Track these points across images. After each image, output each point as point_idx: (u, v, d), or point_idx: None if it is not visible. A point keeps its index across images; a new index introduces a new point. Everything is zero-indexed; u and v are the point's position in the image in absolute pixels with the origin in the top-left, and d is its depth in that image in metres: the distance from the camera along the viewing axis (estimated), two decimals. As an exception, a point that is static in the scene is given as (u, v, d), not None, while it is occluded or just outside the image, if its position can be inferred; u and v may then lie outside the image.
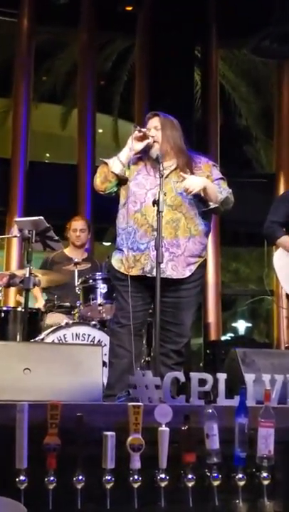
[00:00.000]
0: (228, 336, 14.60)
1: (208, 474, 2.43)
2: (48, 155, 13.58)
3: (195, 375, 2.73)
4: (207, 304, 8.03)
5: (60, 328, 4.51)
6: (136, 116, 8.70)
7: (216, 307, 8.16)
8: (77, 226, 5.42)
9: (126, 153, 3.53)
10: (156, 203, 3.31)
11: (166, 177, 3.48)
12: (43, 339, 4.48)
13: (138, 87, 8.66)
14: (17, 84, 8.07)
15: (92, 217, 7.24)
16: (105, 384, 3.43)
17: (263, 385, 2.71)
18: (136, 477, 2.34)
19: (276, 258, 4.34)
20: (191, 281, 3.53)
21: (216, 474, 2.42)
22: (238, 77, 12.22)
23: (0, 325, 4.80)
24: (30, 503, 2.24)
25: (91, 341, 4.50)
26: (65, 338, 4.48)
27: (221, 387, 2.70)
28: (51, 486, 2.30)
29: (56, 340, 4.44)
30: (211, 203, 3.52)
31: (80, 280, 4.83)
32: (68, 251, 5.39)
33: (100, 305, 4.68)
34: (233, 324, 15.44)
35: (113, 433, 2.34)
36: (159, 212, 3.29)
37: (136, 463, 2.35)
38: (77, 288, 4.83)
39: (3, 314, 4.83)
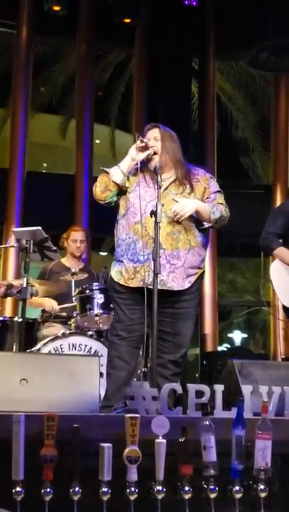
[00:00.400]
0: (224, 347, 14.59)
1: (205, 486, 2.42)
2: (45, 165, 13.60)
3: (192, 387, 2.72)
4: (204, 315, 8.03)
5: (56, 338, 4.51)
6: (133, 127, 8.73)
7: (212, 318, 8.16)
8: (78, 237, 5.41)
9: (127, 163, 3.54)
10: (154, 213, 3.32)
11: (166, 189, 3.51)
12: (39, 349, 4.47)
13: (136, 98, 8.70)
14: (15, 94, 8.09)
15: (89, 227, 7.25)
16: (102, 395, 3.42)
17: (260, 396, 2.71)
18: (133, 489, 2.33)
19: (273, 269, 4.34)
20: (190, 293, 3.55)
21: (212, 486, 2.41)
22: (234, 89, 12.30)
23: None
24: (27, 515, 2.23)
25: (88, 351, 4.50)
26: (61, 348, 4.47)
27: (219, 398, 2.70)
28: (48, 498, 2.28)
29: (53, 351, 4.43)
30: (204, 223, 3.56)
31: (76, 290, 4.83)
32: (66, 261, 5.38)
33: (96, 315, 4.68)
34: (229, 335, 15.42)
35: (110, 445, 2.34)
36: (156, 223, 3.31)
37: (133, 475, 2.34)
38: (74, 298, 4.82)
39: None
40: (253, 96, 12.13)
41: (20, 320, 4.32)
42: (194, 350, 8.34)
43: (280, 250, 4.27)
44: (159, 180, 3.40)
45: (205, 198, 3.59)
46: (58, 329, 4.78)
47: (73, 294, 4.83)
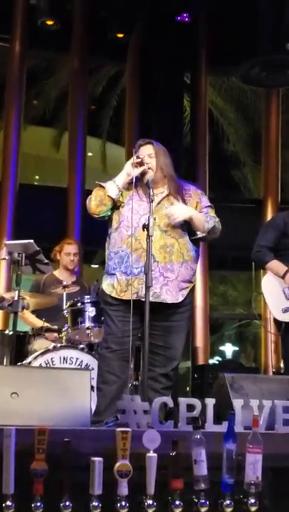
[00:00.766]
0: (215, 360, 14.59)
1: (196, 500, 2.41)
2: (37, 177, 13.63)
3: (183, 401, 2.73)
4: (195, 328, 8.03)
5: (47, 351, 4.50)
6: (126, 140, 8.77)
7: (204, 331, 8.16)
8: (71, 250, 5.42)
9: (123, 178, 3.58)
10: (146, 227, 3.35)
11: (159, 203, 3.55)
12: (30, 362, 4.46)
13: (128, 111, 8.74)
14: (8, 108, 8.11)
15: (81, 240, 7.26)
16: (93, 409, 3.42)
17: (251, 410, 2.71)
18: (123, 503, 2.32)
19: (265, 282, 4.36)
20: (182, 306, 3.58)
21: (203, 501, 2.41)
22: (226, 103, 12.40)
23: (-13, 348, 4.77)
24: (17, 530, 2.22)
25: (79, 365, 4.49)
26: (52, 361, 4.46)
27: (210, 412, 2.70)
28: (38, 512, 2.27)
29: (44, 364, 4.42)
30: (198, 232, 3.59)
31: (68, 303, 4.82)
32: (58, 273, 5.38)
33: (88, 328, 4.68)
34: (221, 347, 15.44)
35: (101, 459, 2.33)
36: (148, 236, 3.34)
37: (123, 489, 2.34)
38: (65, 311, 4.82)
39: (-11, 337, 4.81)
40: (245, 110, 12.23)
41: (12, 333, 4.31)
42: (185, 363, 8.34)
43: (273, 263, 4.29)
44: (151, 194, 3.43)
45: (198, 211, 3.63)
46: (49, 342, 4.77)
47: (64, 307, 4.83)
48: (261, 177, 9.25)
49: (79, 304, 4.75)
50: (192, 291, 3.65)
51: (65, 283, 4.97)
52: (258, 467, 2.45)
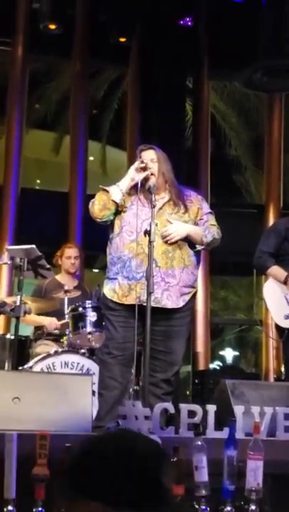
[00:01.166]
0: (215, 365, 14.56)
1: (197, 507, 2.42)
2: (38, 181, 13.63)
3: (185, 407, 2.74)
4: (196, 333, 8.02)
5: (49, 355, 4.50)
6: (127, 144, 8.77)
7: (204, 336, 8.15)
8: (72, 253, 5.42)
9: (127, 183, 3.59)
10: (147, 232, 3.36)
11: (160, 208, 3.57)
12: (31, 367, 4.46)
13: (130, 115, 8.75)
14: (10, 112, 8.12)
15: (82, 245, 7.26)
16: (95, 415, 3.42)
17: (252, 417, 2.72)
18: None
19: (266, 288, 4.36)
20: (183, 311, 3.58)
21: (204, 507, 2.41)
22: (228, 108, 12.40)
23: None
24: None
25: (80, 370, 4.48)
26: (53, 366, 4.46)
27: (211, 419, 2.71)
28: (39, 517, 2.28)
29: (45, 369, 4.42)
30: (197, 246, 3.62)
31: (69, 308, 4.82)
32: (60, 277, 5.38)
33: (89, 333, 4.68)
34: (221, 352, 15.41)
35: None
36: (150, 242, 3.35)
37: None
38: (66, 315, 4.82)
39: (-9, 341, 4.81)
40: (247, 115, 12.23)
41: (13, 337, 4.31)
42: (186, 368, 8.33)
43: (275, 269, 4.30)
44: (153, 199, 3.45)
45: (198, 218, 3.66)
46: (50, 347, 4.77)
47: (66, 311, 4.83)
48: (263, 182, 9.25)
49: (80, 309, 4.75)
50: (194, 296, 3.67)
51: (66, 287, 4.97)
52: (258, 474, 2.46)
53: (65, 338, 4.79)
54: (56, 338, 4.94)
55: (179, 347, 3.61)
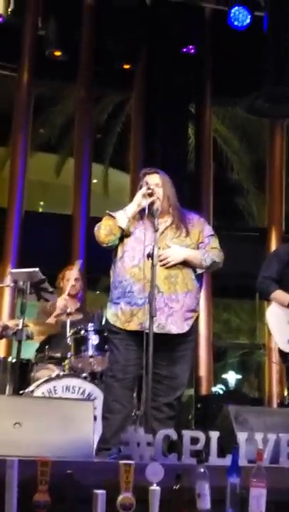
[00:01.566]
0: (218, 388, 14.47)
1: (200, 535, 2.39)
2: (42, 203, 13.69)
3: (187, 433, 2.71)
4: (199, 357, 7.98)
5: (50, 379, 4.47)
6: (130, 167, 8.83)
7: (207, 360, 8.11)
8: (72, 275, 5.42)
9: (133, 209, 3.61)
10: (150, 256, 3.36)
11: (162, 232, 3.58)
12: (33, 391, 4.43)
13: (133, 139, 8.82)
14: (15, 136, 8.19)
15: (85, 267, 7.26)
16: (96, 439, 3.40)
17: (256, 444, 2.70)
18: (126, 537, 2.30)
19: (269, 313, 4.36)
20: (187, 335, 3.58)
21: (207, 535, 2.38)
22: (230, 132, 12.49)
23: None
24: None
25: (81, 394, 4.45)
26: (55, 390, 4.43)
27: (214, 445, 2.69)
28: None
29: (46, 393, 4.39)
30: (197, 270, 3.63)
31: (71, 331, 4.81)
32: (62, 300, 5.37)
33: (91, 357, 4.65)
34: (224, 376, 15.33)
35: (104, 491, 2.31)
36: (153, 265, 3.35)
37: (126, 522, 2.32)
38: (68, 339, 4.80)
39: (-7, 364, 4.79)
40: (249, 139, 12.32)
41: (15, 360, 4.30)
42: (189, 391, 8.27)
43: (278, 293, 4.31)
44: (156, 223, 3.46)
45: (199, 241, 3.66)
46: (51, 370, 4.75)
47: (68, 334, 4.82)
48: (265, 206, 9.28)
49: (82, 332, 4.73)
50: (196, 320, 3.67)
51: (68, 310, 4.96)
52: (262, 501, 2.43)
53: (66, 361, 4.77)
54: (58, 362, 4.92)
55: (184, 372, 3.61)
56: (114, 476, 2.36)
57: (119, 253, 3.61)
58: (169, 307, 3.48)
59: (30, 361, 4.93)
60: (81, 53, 8.20)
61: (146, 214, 3.57)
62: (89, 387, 4.48)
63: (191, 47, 7.95)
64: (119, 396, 3.48)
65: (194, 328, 3.65)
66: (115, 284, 3.59)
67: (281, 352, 4.32)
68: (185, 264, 3.56)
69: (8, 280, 4.40)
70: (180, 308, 3.51)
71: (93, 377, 4.63)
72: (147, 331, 3.32)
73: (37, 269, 4.23)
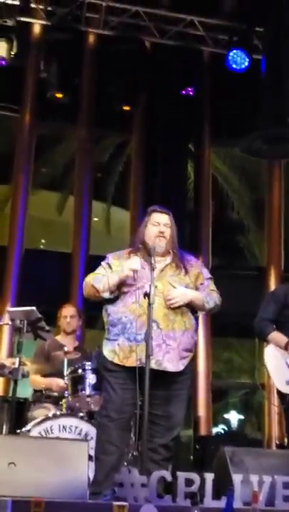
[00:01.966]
0: (220, 428, 14.30)
1: None
2: (43, 241, 13.75)
3: (182, 475, 2.69)
4: (197, 396, 7.92)
5: (47, 419, 4.44)
6: (130, 206, 8.90)
7: (206, 399, 8.03)
8: (68, 313, 5.44)
9: (116, 282, 3.59)
10: (147, 295, 3.38)
11: (162, 270, 3.61)
12: (29, 430, 4.40)
13: (133, 178, 8.92)
14: (17, 174, 8.30)
15: (83, 305, 7.27)
16: (91, 480, 3.36)
17: (251, 485, 2.67)
18: None
19: (267, 354, 4.36)
20: (182, 375, 3.57)
21: None
22: (230, 171, 12.62)
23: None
24: None
25: (78, 434, 4.42)
26: (51, 429, 4.40)
27: (208, 487, 2.66)
28: None
29: (43, 432, 4.36)
30: (198, 311, 3.67)
31: (69, 369, 4.79)
32: (60, 338, 5.37)
33: (88, 396, 4.63)
34: (226, 416, 15.16)
35: (97, 534, 2.29)
36: (149, 304, 3.36)
37: None
38: (66, 377, 4.78)
39: (-11, 403, 4.77)
40: (248, 178, 12.43)
41: (11, 399, 4.28)
42: (187, 432, 8.18)
43: (274, 335, 4.31)
44: (152, 262, 3.48)
45: (199, 282, 3.70)
46: (48, 409, 4.72)
47: (66, 373, 4.80)
48: (264, 245, 9.32)
49: (80, 371, 4.71)
50: (192, 361, 3.66)
51: (66, 349, 4.95)
52: None
53: (64, 400, 4.75)
54: (55, 401, 4.89)
55: (179, 411, 3.58)
56: (108, 518, 2.34)
57: (117, 292, 3.62)
58: (166, 344, 3.48)
59: (28, 400, 4.90)
60: (82, 95, 8.38)
61: (142, 253, 3.62)
62: (86, 427, 4.44)
63: (190, 89, 8.12)
64: (114, 437, 3.44)
65: (189, 368, 3.63)
66: (114, 322, 3.59)
67: (280, 393, 4.29)
68: (187, 305, 3.59)
69: (5, 318, 4.40)
70: (176, 347, 3.51)
71: (90, 417, 4.60)
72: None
73: (34, 307, 4.24)
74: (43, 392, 4.91)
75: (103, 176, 12.35)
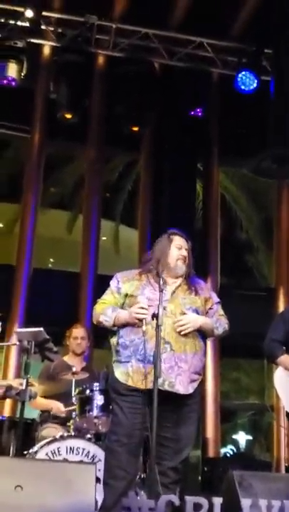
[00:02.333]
0: (228, 449, 14.18)
1: None
2: (51, 260, 13.79)
3: (190, 499, 2.66)
4: (206, 417, 7.84)
5: (54, 440, 4.40)
6: (139, 225, 8.92)
7: (214, 420, 7.96)
8: (78, 334, 5.44)
9: (123, 322, 3.61)
10: (155, 316, 3.37)
11: (174, 292, 3.62)
12: (36, 451, 4.37)
13: (142, 198, 8.94)
14: (26, 194, 8.33)
15: (92, 324, 7.26)
16: (99, 501, 3.33)
17: (260, 510, 2.64)
18: None
19: (277, 377, 4.34)
20: (192, 398, 3.56)
21: None
22: (239, 190, 12.65)
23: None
24: None
25: (85, 455, 4.38)
26: (59, 451, 4.36)
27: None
28: None
29: (50, 454, 4.33)
30: (207, 337, 3.71)
31: (77, 390, 4.77)
32: (68, 358, 5.37)
33: (96, 417, 4.60)
34: (234, 436, 15.04)
35: None
36: (158, 325, 3.36)
37: None
38: (74, 398, 4.76)
39: (-3, 424, 4.73)
40: (256, 197, 12.46)
41: (18, 421, 4.25)
42: (196, 452, 8.11)
43: (283, 357, 4.29)
44: (161, 283, 3.48)
45: (208, 307, 3.73)
46: (56, 430, 4.69)
47: (73, 393, 4.78)
48: (273, 266, 9.28)
49: (87, 392, 4.69)
50: (201, 383, 3.65)
51: (74, 369, 4.93)
52: None
53: (71, 421, 4.72)
54: (62, 421, 4.86)
55: (188, 434, 3.56)
56: None
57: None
58: (178, 366, 3.49)
59: (35, 421, 4.87)
60: (91, 116, 8.43)
61: (152, 274, 3.64)
62: (93, 449, 4.41)
63: (198, 110, 8.15)
64: (123, 462, 3.41)
65: (198, 390, 3.62)
66: (125, 344, 3.57)
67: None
68: (197, 330, 3.61)
69: (13, 339, 4.39)
70: (188, 369, 3.51)
71: (97, 439, 4.57)
72: (160, 388, 3.33)
73: (41, 328, 4.23)
74: (50, 412, 4.88)
75: (112, 195, 12.42)
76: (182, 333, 3.52)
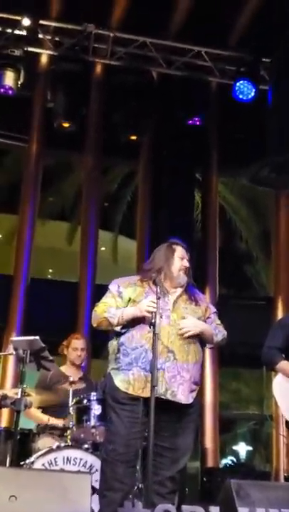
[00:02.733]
0: (228, 460, 14.10)
1: None
2: (50, 270, 13.80)
3: (186, 508, 2.63)
4: (204, 427, 7.79)
5: (51, 451, 4.36)
6: (137, 235, 8.90)
7: (213, 431, 7.90)
8: (79, 345, 5.39)
9: (130, 318, 3.58)
10: (152, 325, 3.36)
11: (176, 302, 3.63)
12: (33, 462, 4.32)
13: (140, 207, 8.93)
14: (23, 204, 8.31)
15: (89, 334, 7.23)
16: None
17: (258, 520, 2.60)
18: None
19: (276, 384, 4.31)
20: (191, 407, 3.56)
21: None
22: (238, 201, 12.67)
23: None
24: None
25: (83, 466, 4.34)
26: (55, 461, 4.32)
27: (213, 522, 2.59)
28: None
29: (46, 464, 4.29)
30: (207, 344, 3.72)
31: (74, 400, 4.73)
32: (65, 369, 5.33)
33: (93, 427, 4.56)
34: (234, 447, 14.97)
35: None
36: (154, 333, 3.34)
37: None
38: (70, 408, 4.72)
39: (-7, 434, 4.69)
40: (256, 207, 12.47)
41: (14, 431, 4.21)
42: (194, 463, 8.05)
43: (282, 364, 4.27)
44: (158, 291, 3.46)
45: (207, 316, 3.74)
46: (53, 441, 4.65)
47: (70, 403, 4.74)
48: (272, 275, 9.26)
49: (85, 401, 4.65)
50: (199, 392, 3.65)
51: (71, 379, 4.90)
52: None
53: (68, 431, 4.67)
54: (60, 432, 4.81)
55: (186, 444, 3.54)
56: None
57: (132, 321, 3.58)
58: (180, 375, 3.49)
59: (32, 431, 4.83)
60: (89, 125, 8.42)
61: (153, 282, 3.61)
62: (90, 459, 4.37)
63: (196, 119, 8.15)
64: (120, 473, 3.37)
65: (197, 400, 3.61)
66: (126, 351, 3.54)
67: (288, 424, 4.23)
68: (197, 336, 3.61)
69: (10, 348, 4.36)
70: (189, 379, 3.51)
71: (95, 449, 4.52)
72: (163, 397, 3.34)
73: (37, 337, 4.21)
74: (48, 423, 4.84)
75: (111, 206, 12.43)
76: (185, 335, 3.52)
